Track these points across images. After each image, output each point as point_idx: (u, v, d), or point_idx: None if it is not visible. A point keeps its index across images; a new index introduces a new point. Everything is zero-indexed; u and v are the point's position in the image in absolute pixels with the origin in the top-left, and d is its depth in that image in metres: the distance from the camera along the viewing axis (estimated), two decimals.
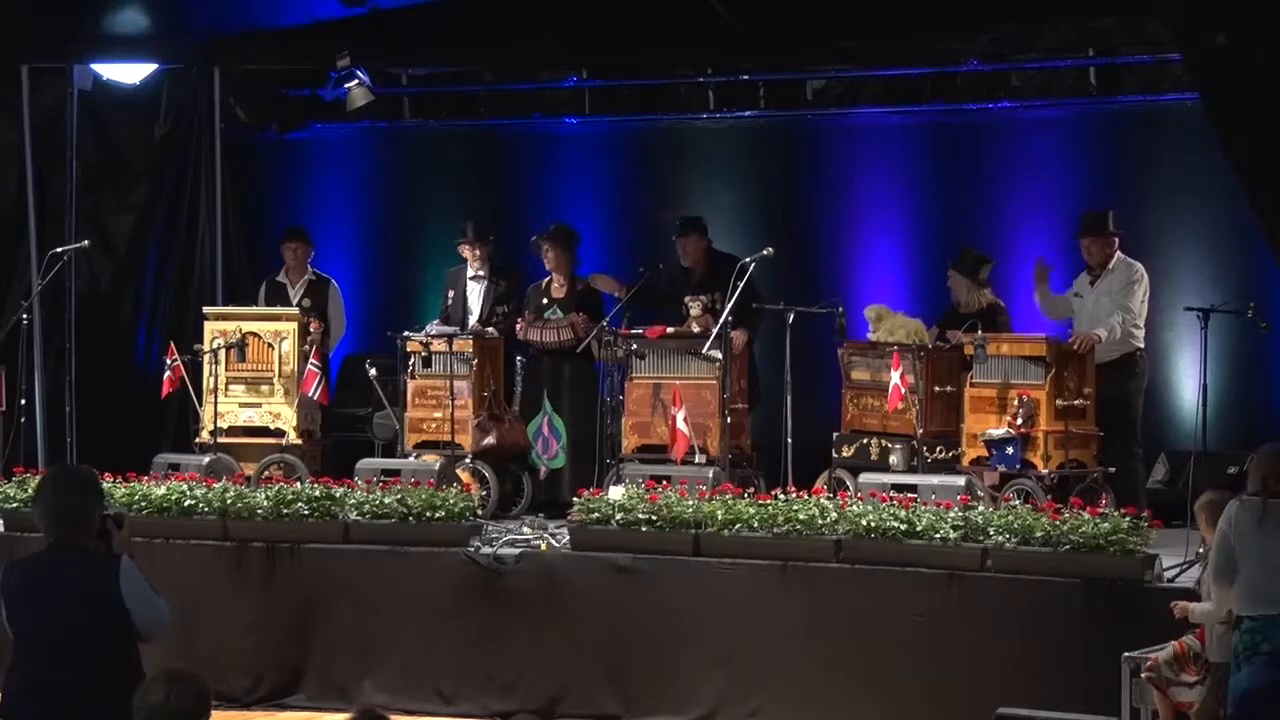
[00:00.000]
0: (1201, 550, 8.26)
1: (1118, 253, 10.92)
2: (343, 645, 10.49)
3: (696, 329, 11.25)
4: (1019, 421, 10.18)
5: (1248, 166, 8.35)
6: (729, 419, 10.90)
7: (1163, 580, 9.15)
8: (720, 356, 10.93)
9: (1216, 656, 7.80)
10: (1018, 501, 9.95)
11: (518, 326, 11.94)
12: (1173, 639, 8.06)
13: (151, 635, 5.86)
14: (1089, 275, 10.95)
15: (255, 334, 11.69)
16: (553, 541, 10.55)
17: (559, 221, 12.29)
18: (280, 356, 11.67)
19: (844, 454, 10.92)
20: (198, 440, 11.72)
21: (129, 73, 13.37)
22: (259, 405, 11.68)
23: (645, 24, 12.14)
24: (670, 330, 11.31)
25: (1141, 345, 10.88)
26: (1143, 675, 8.06)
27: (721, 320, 10.90)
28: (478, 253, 12.18)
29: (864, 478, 10.36)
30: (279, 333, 11.68)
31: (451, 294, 12.26)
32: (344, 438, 12.70)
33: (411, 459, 11.49)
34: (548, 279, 12.08)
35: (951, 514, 9.57)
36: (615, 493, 10.41)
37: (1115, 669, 8.21)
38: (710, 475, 10.59)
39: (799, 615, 9.71)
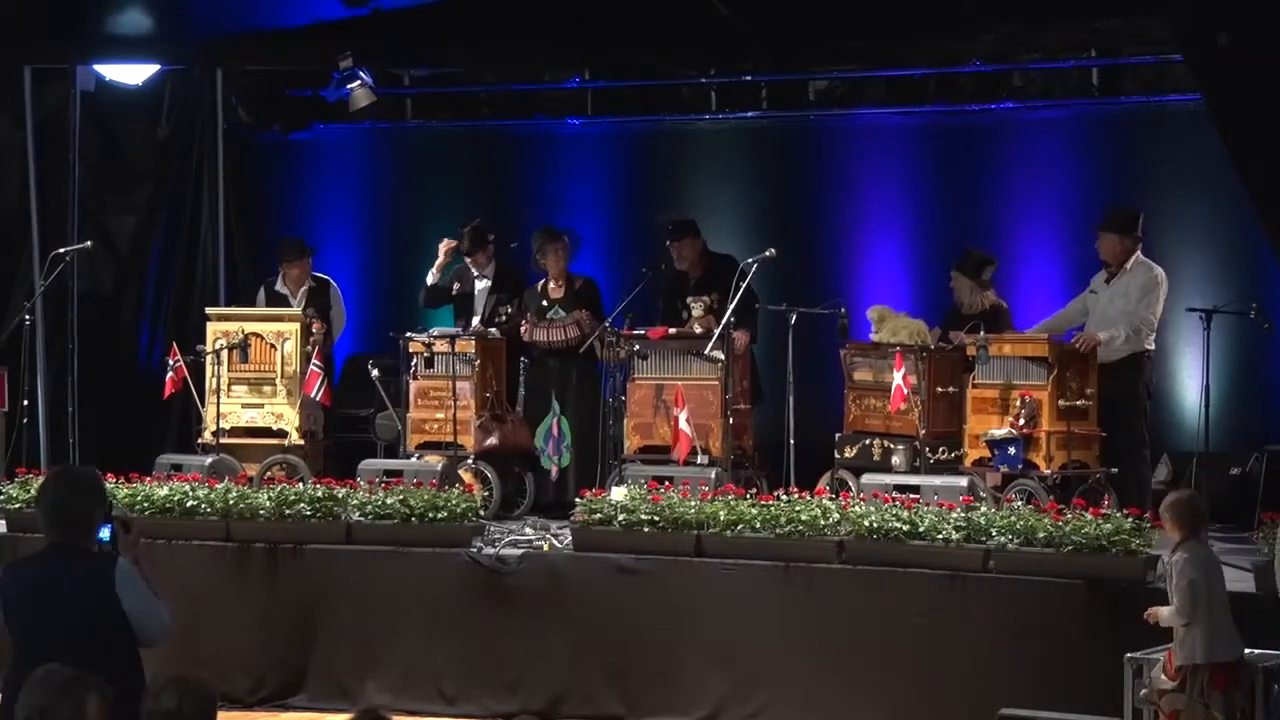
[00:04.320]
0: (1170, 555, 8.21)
1: (1138, 253, 10.87)
2: (345, 646, 10.49)
3: (698, 330, 11.25)
4: (1021, 422, 10.18)
5: (1250, 167, 8.35)
6: (731, 420, 10.90)
7: (1164, 581, 9.14)
8: (722, 357, 10.93)
9: (1181, 659, 7.81)
10: (1020, 502, 9.94)
11: (523, 329, 11.93)
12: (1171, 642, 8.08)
13: (151, 640, 5.83)
14: (1106, 272, 10.88)
15: (258, 334, 11.68)
16: (555, 542, 10.55)
17: (545, 225, 12.27)
18: (283, 357, 11.67)
19: (846, 455, 10.91)
20: (200, 441, 11.71)
21: (131, 73, 13.39)
22: (261, 406, 11.68)
23: (647, 25, 12.15)
24: (672, 331, 11.31)
25: (1150, 348, 10.87)
26: (1141, 694, 8.06)
27: (723, 321, 10.90)
28: (480, 259, 12.20)
29: (866, 478, 10.36)
30: (281, 333, 11.68)
31: (458, 285, 12.27)
32: (346, 438, 12.70)
33: (414, 460, 11.49)
34: (543, 280, 12.08)
35: (954, 515, 9.57)
36: (618, 493, 10.41)
37: (1118, 670, 8.21)
38: (712, 476, 10.58)
39: (801, 616, 9.71)
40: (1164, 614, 7.95)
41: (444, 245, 12.31)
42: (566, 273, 12.05)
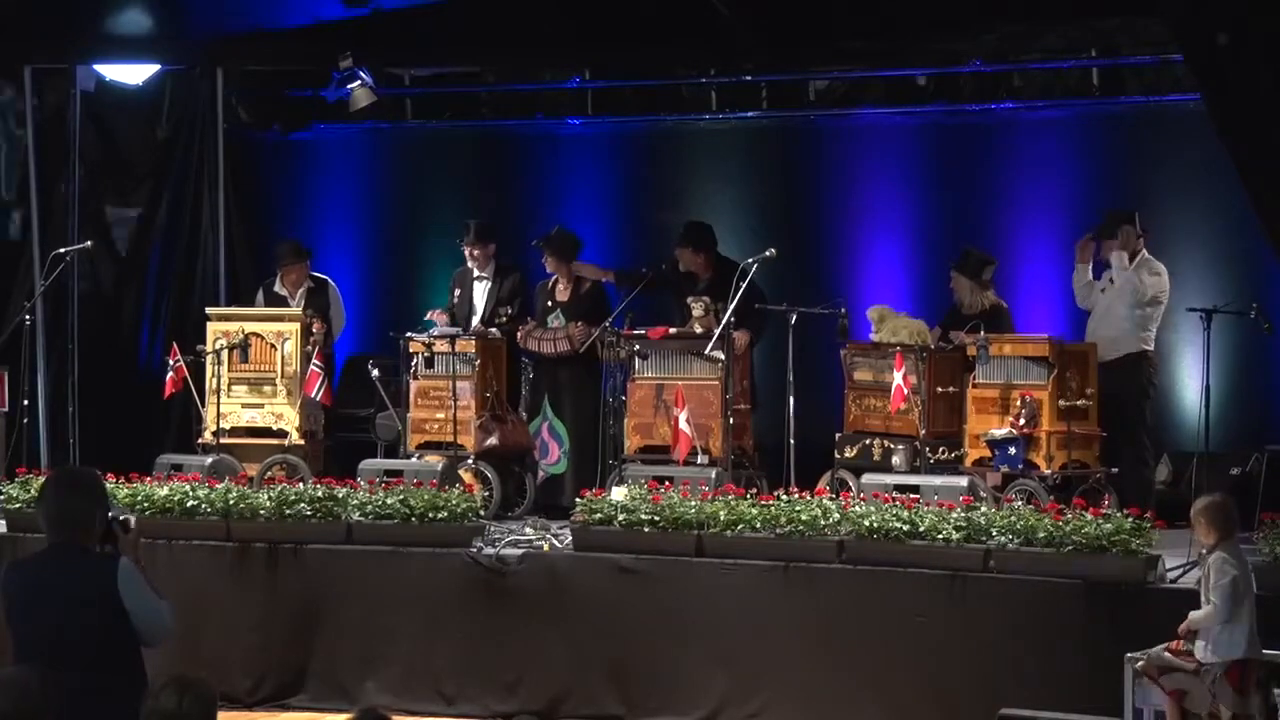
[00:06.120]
0: (1201, 554, 8.25)
1: (1143, 252, 10.94)
2: (345, 646, 10.49)
3: (699, 329, 11.25)
4: (1021, 422, 10.19)
5: (1250, 167, 8.35)
6: (731, 419, 10.90)
7: (1165, 581, 9.15)
8: (722, 357, 10.93)
9: (1219, 655, 7.81)
10: (1020, 502, 9.95)
11: (519, 334, 11.92)
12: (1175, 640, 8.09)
13: (153, 640, 5.84)
14: (1110, 271, 10.97)
15: (258, 334, 11.68)
16: (555, 542, 10.56)
17: (560, 226, 12.27)
18: (283, 357, 11.67)
19: (846, 454, 10.91)
20: (200, 441, 11.71)
21: (132, 73, 13.39)
22: (262, 406, 11.68)
23: (648, 25, 12.14)
24: (672, 331, 11.31)
25: (1150, 347, 10.90)
26: (1137, 666, 8.08)
27: (724, 321, 10.90)
28: (477, 253, 12.17)
29: (866, 478, 10.37)
30: (282, 333, 11.68)
31: (458, 292, 12.26)
32: (347, 438, 12.69)
33: (414, 460, 11.49)
34: (553, 279, 12.08)
35: (954, 515, 9.57)
36: (618, 493, 10.41)
37: (1118, 670, 8.21)
38: (713, 476, 10.58)
39: (801, 616, 9.71)
40: (1198, 616, 7.92)
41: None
42: (575, 276, 12.05)
